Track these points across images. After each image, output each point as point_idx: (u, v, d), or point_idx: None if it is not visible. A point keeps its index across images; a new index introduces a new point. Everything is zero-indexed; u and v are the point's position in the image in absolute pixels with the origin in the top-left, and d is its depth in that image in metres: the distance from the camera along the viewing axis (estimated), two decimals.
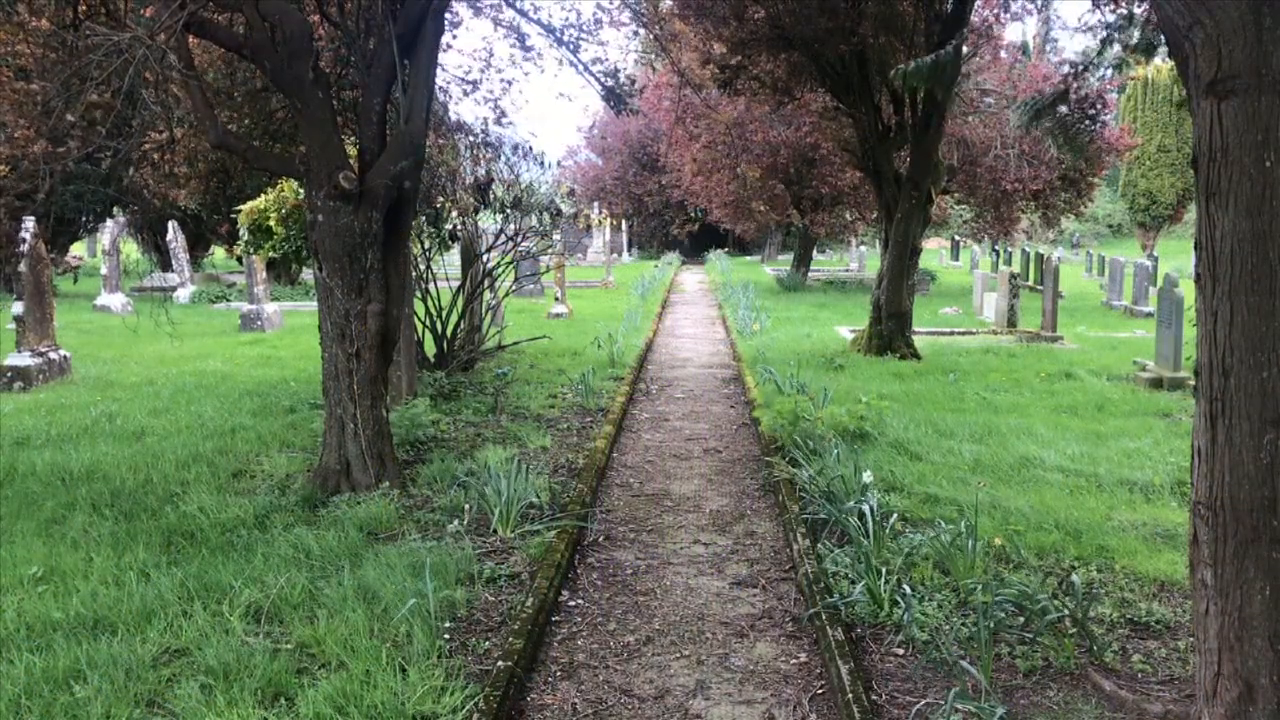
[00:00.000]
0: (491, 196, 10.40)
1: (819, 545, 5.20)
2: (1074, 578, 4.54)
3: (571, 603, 4.75)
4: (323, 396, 6.33)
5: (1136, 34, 6.79)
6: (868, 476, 5.61)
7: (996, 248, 33.05)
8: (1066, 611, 4.12)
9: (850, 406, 8.05)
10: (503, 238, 11.15)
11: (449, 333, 10.45)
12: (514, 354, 12.02)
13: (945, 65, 8.10)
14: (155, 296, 17.32)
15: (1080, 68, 7.49)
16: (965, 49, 11.83)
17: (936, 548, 4.84)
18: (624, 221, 40.43)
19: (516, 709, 3.68)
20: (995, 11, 15.71)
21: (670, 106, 22.69)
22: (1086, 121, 7.51)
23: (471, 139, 10.42)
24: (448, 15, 7.08)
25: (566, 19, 16.87)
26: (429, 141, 7.31)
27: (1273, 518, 2.72)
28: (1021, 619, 4.17)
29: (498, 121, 10.52)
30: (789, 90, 13.80)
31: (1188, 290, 5.98)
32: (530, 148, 10.86)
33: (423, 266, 10.22)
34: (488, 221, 11.59)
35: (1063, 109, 7.37)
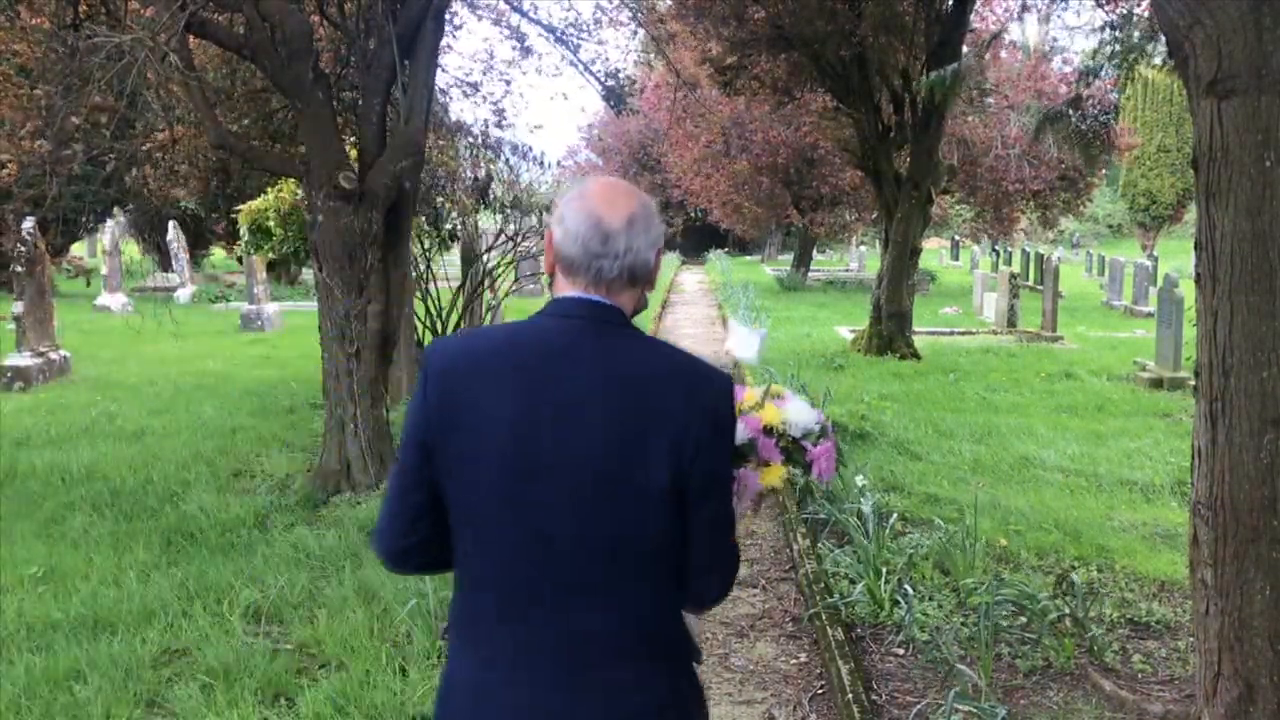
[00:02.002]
0: (491, 196, 10.40)
1: (819, 545, 5.20)
2: (1074, 578, 4.54)
3: None
4: (323, 396, 6.33)
5: (1136, 35, 6.80)
6: (860, 479, 5.63)
7: (996, 248, 33.05)
8: (1066, 611, 4.12)
9: (851, 406, 8.05)
10: (503, 238, 11.15)
11: (449, 333, 10.45)
12: None
13: (966, 72, 8.12)
14: (155, 296, 17.34)
15: (1091, 76, 7.50)
16: (966, 49, 11.83)
17: (937, 548, 4.84)
18: None
19: None
20: (1004, 14, 15.70)
21: (670, 106, 22.68)
22: (1100, 130, 7.53)
23: (471, 140, 10.43)
24: (448, 16, 7.08)
25: (566, 19, 16.89)
26: (429, 142, 7.31)
27: (1273, 518, 2.72)
28: (1022, 619, 4.17)
29: (498, 125, 10.54)
30: (789, 90, 13.79)
31: (1188, 290, 5.98)
32: (530, 148, 10.88)
33: (423, 266, 10.22)
34: (488, 221, 11.59)
35: (1072, 114, 7.37)
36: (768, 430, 1.91)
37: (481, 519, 1.51)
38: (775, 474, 1.89)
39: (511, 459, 1.48)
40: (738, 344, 2.17)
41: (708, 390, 1.52)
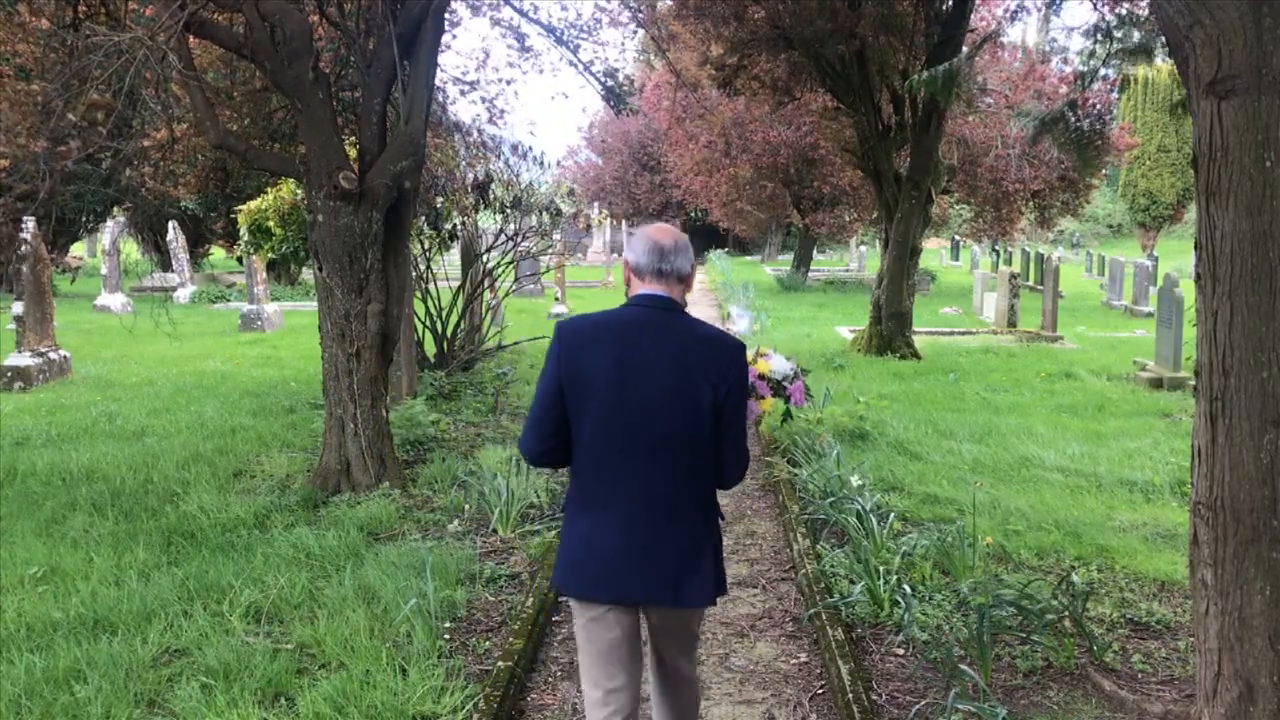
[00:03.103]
0: (490, 196, 10.40)
1: (819, 545, 5.20)
2: (1074, 578, 4.54)
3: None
4: (323, 396, 6.33)
5: (1136, 34, 6.78)
6: (855, 479, 5.62)
7: (996, 248, 33.04)
8: (1066, 611, 4.12)
9: (850, 406, 8.05)
10: (503, 238, 11.15)
11: (449, 333, 10.44)
12: (514, 354, 12.02)
13: (959, 72, 8.09)
14: (155, 296, 17.32)
15: (1088, 78, 7.47)
16: (965, 49, 11.83)
17: (936, 548, 4.84)
18: (624, 221, 40.43)
19: (516, 709, 3.69)
20: (1002, 13, 15.69)
21: (670, 106, 22.67)
22: (1096, 135, 7.48)
23: (469, 139, 10.42)
24: (447, 15, 7.08)
25: (566, 19, 16.90)
26: (428, 142, 7.30)
27: (1273, 518, 2.72)
28: (1021, 619, 4.17)
29: (491, 121, 10.53)
30: (789, 90, 13.79)
31: (1188, 290, 5.98)
32: (529, 148, 10.87)
33: (423, 266, 10.21)
34: (488, 221, 11.58)
35: (1071, 117, 7.33)
36: (761, 376, 2.98)
37: (592, 431, 2.49)
38: (768, 403, 3.02)
39: (612, 393, 2.47)
40: (737, 321, 3.18)
41: (730, 350, 2.55)
